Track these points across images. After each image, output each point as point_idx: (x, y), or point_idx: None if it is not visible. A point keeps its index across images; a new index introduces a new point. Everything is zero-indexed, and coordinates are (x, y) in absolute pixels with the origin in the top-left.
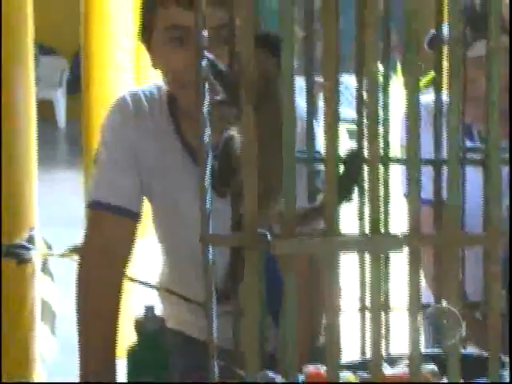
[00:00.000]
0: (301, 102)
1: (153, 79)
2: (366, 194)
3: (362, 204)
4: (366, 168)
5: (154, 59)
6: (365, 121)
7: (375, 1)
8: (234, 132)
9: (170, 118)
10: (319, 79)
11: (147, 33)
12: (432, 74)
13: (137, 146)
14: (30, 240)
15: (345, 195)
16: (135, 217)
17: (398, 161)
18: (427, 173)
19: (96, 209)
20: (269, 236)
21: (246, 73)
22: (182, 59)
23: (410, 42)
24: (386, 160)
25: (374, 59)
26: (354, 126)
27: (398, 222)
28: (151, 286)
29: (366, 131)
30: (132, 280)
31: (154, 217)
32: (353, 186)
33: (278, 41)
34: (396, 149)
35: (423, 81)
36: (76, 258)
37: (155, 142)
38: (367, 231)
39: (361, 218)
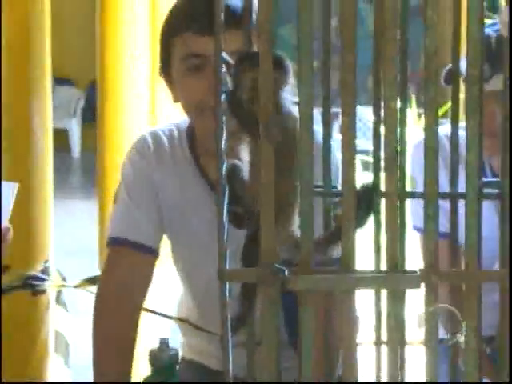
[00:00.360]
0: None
1: (168, 109)
2: (383, 228)
3: (377, 238)
4: (383, 202)
5: (174, 93)
6: (381, 154)
7: (395, 33)
8: (236, 161)
9: (189, 154)
10: (335, 110)
11: (166, 66)
12: (447, 105)
13: (157, 183)
14: (45, 271)
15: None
16: (154, 253)
17: (413, 195)
18: (440, 206)
19: (115, 245)
20: (286, 271)
21: (264, 109)
22: (201, 87)
23: (430, 79)
24: (403, 194)
25: (394, 96)
26: (366, 157)
27: (409, 254)
28: (167, 317)
29: (383, 164)
30: (148, 311)
31: (174, 249)
32: (366, 219)
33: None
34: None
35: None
36: (90, 289)
37: (176, 177)
38: (383, 266)
39: (377, 252)
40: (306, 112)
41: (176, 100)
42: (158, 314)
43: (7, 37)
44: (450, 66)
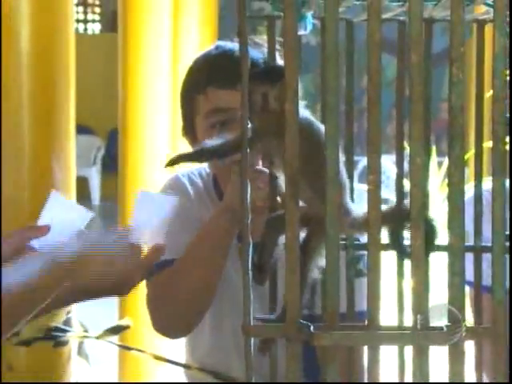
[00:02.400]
0: None
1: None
2: (409, 285)
3: (401, 293)
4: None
5: None
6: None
7: (421, 90)
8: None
9: (215, 195)
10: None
11: (190, 125)
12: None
13: (197, 217)
14: (67, 322)
15: None
16: None
17: (438, 248)
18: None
19: (157, 270)
20: (311, 327)
21: (290, 166)
22: None
23: (456, 136)
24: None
25: (420, 152)
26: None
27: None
28: (180, 365)
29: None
30: (160, 359)
31: None
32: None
33: None
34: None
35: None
36: (112, 339)
37: (208, 212)
38: (409, 322)
39: (400, 307)
40: (332, 168)
41: None
42: (175, 363)
43: (33, 87)
44: None
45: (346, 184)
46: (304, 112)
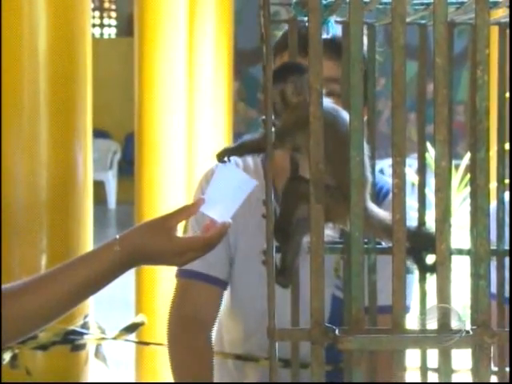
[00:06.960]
0: None
1: (205, 163)
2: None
3: (423, 296)
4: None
5: None
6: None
7: (446, 94)
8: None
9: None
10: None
11: None
12: None
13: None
14: (85, 326)
15: None
16: (223, 284)
17: (460, 252)
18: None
19: (185, 277)
20: (337, 331)
21: (314, 171)
22: None
23: (481, 139)
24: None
25: (445, 155)
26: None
27: None
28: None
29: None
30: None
31: (234, 276)
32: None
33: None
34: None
35: None
36: (129, 338)
37: (245, 207)
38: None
39: (422, 310)
40: (356, 170)
41: None
42: None
43: (50, 92)
44: None
45: (368, 184)
46: (329, 102)
